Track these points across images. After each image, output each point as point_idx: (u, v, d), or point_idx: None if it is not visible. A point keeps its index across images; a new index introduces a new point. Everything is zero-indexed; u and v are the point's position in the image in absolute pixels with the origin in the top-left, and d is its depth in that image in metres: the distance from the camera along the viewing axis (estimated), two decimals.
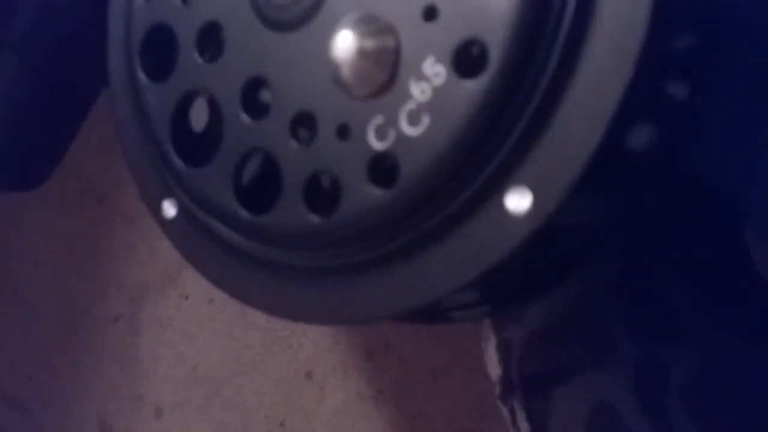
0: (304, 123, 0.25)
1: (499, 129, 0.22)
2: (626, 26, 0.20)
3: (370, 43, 0.23)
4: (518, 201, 0.22)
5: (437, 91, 0.22)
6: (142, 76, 0.29)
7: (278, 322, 0.55)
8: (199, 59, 0.27)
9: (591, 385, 0.30)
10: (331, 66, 0.24)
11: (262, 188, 0.27)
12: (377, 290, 0.25)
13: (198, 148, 0.28)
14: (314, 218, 0.25)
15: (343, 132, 0.24)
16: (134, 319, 0.62)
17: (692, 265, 0.31)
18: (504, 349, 0.32)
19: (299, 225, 0.25)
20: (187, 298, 0.62)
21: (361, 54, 0.23)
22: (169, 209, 0.30)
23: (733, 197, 0.29)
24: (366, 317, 0.26)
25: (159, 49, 0.29)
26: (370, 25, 0.23)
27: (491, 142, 0.22)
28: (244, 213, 0.26)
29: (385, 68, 0.23)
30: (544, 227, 0.22)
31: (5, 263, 0.65)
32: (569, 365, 0.31)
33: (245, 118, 0.26)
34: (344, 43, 0.23)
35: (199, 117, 0.29)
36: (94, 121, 0.43)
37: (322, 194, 0.25)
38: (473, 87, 0.21)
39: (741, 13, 0.26)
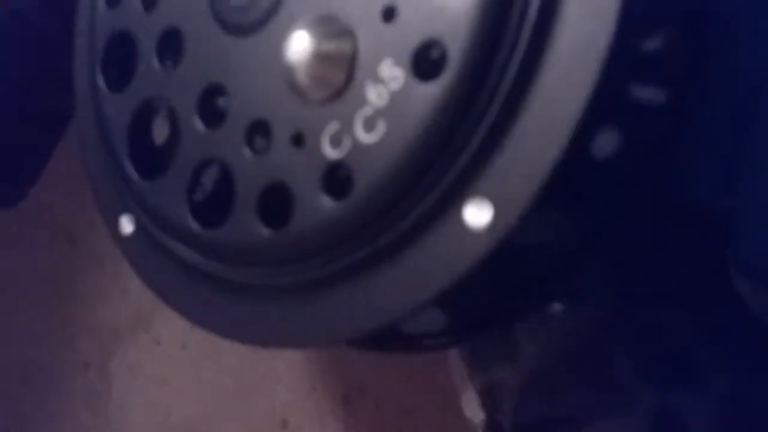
0: (260, 131, 0.24)
1: (458, 136, 0.21)
2: (592, 27, 0.19)
3: (325, 45, 0.22)
4: (477, 214, 0.21)
5: (394, 96, 0.21)
6: (101, 85, 0.28)
7: (252, 367, 0.53)
8: (158, 67, 0.27)
9: None
10: (286, 70, 0.23)
11: (217, 201, 0.26)
12: (333, 311, 0.23)
13: (156, 160, 0.27)
14: (266, 231, 0.24)
15: (297, 140, 0.23)
16: (105, 366, 0.61)
17: (694, 301, 0.30)
18: (491, 394, 0.30)
19: (251, 239, 0.24)
20: (159, 343, 0.60)
21: (316, 56, 0.22)
22: (127, 225, 0.29)
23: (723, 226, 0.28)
24: (322, 341, 0.24)
25: (120, 57, 0.28)
26: (325, 26, 0.22)
27: (450, 150, 0.21)
28: (196, 227, 0.25)
29: (341, 71, 0.22)
30: (505, 243, 0.21)
31: None
32: (573, 414, 0.29)
33: (201, 126, 0.25)
34: (298, 44, 0.22)
35: (161, 130, 0.29)
36: (65, 158, 0.43)
37: (277, 207, 0.24)
38: (432, 91, 0.21)
39: (724, 13, 0.25)
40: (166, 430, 0.58)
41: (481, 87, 0.20)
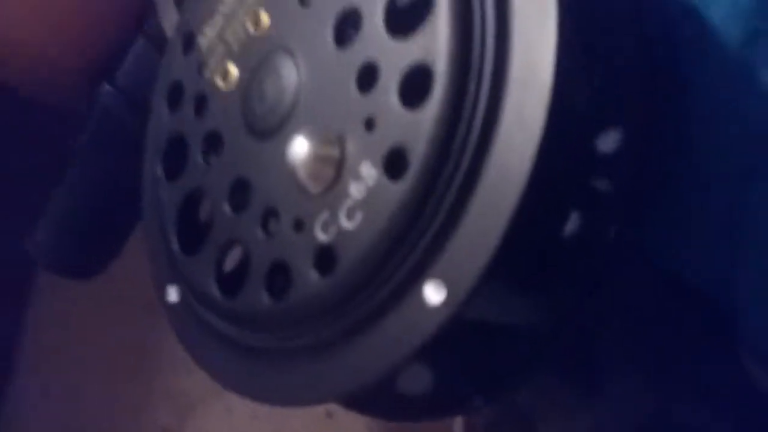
0: (272, 217, 0.29)
1: (418, 226, 0.25)
2: (522, 139, 0.24)
3: (319, 149, 0.27)
4: (434, 292, 0.25)
5: (370, 191, 0.26)
6: (160, 174, 0.34)
7: None
8: (201, 162, 0.33)
9: None
10: (290, 169, 0.28)
11: (238, 275, 0.31)
12: (320, 372, 0.28)
13: (197, 239, 0.33)
14: (269, 301, 0.28)
15: (298, 225, 0.28)
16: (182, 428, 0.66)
17: (707, 387, 0.31)
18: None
19: (257, 307, 0.29)
20: (230, 411, 0.65)
21: (312, 158, 0.27)
22: (172, 294, 0.34)
23: (716, 301, 0.30)
24: (306, 401, 0.28)
25: (176, 153, 0.34)
26: (321, 134, 0.27)
27: (412, 236, 0.25)
28: (219, 296, 0.30)
29: (332, 169, 0.27)
30: (460, 319, 0.24)
31: (57, 368, 0.71)
32: None
33: (228, 212, 0.31)
34: (298, 148, 0.28)
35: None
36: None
37: (281, 281, 0.29)
38: (398, 188, 0.25)
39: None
40: None
41: (436, 186, 0.25)
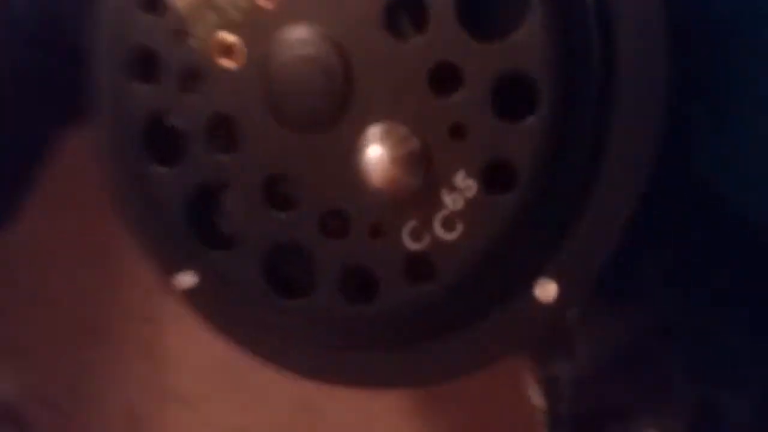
0: (334, 218, 0.28)
1: (527, 235, 0.26)
2: (638, 146, 0.24)
3: (400, 156, 0.26)
4: (545, 291, 0.26)
5: (470, 202, 0.26)
6: (149, 166, 0.30)
7: None
8: (210, 152, 0.29)
9: (647, 429, 0.34)
10: (361, 171, 0.26)
11: (291, 273, 0.30)
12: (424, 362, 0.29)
13: (219, 234, 0.30)
14: (347, 306, 0.28)
15: (376, 232, 0.27)
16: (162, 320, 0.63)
17: (740, 302, 0.34)
18: (551, 385, 0.35)
19: (332, 312, 0.29)
20: None
21: (392, 165, 0.26)
22: (186, 279, 0.32)
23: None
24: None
25: (162, 134, 0.30)
26: (399, 138, 0.26)
27: (521, 246, 0.26)
28: (276, 299, 0.29)
29: (417, 177, 0.26)
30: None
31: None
32: (623, 406, 0.35)
33: (269, 211, 0.29)
34: (375, 155, 0.26)
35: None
36: None
37: (357, 283, 0.28)
38: (503, 202, 0.25)
39: None
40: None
41: (546, 199, 0.25)
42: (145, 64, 0.30)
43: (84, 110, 0.38)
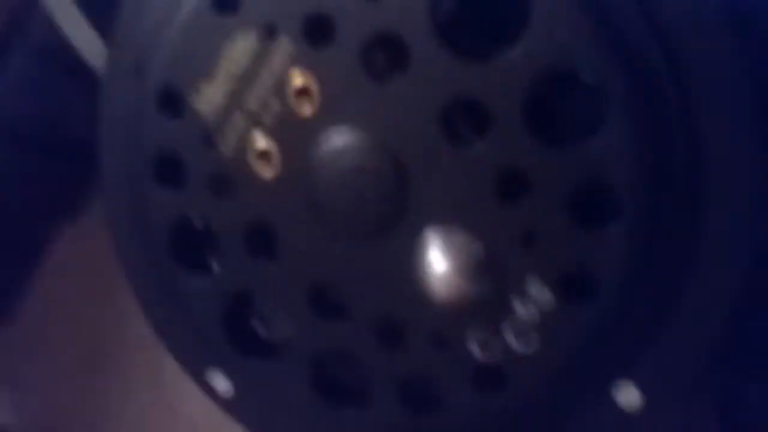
0: (389, 327, 0.26)
1: (609, 346, 0.24)
2: (730, 253, 0.23)
3: (464, 265, 0.24)
4: (628, 398, 0.25)
5: (546, 314, 0.24)
6: (181, 274, 0.28)
7: None
8: (247, 260, 0.27)
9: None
10: (420, 280, 0.25)
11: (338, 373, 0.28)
12: None
13: (259, 344, 0.29)
14: (407, 416, 0.27)
15: (438, 341, 0.25)
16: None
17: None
18: None
19: (392, 421, 0.27)
20: None
21: (455, 275, 0.24)
22: (226, 387, 0.30)
23: None
24: None
25: (191, 241, 0.28)
26: (461, 246, 0.24)
27: (602, 355, 0.24)
28: (327, 408, 0.28)
29: (483, 287, 0.24)
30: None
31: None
32: None
33: (316, 320, 0.27)
34: (437, 264, 0.24)
35: None
36: None
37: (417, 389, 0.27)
38: (584, 314, 0.24)
39: None
40: None
41: (629, 311, 0.24)
42: (168, 169, 0.28)
43: (82, 205, 0.36)
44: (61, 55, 0.31)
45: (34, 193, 0.34)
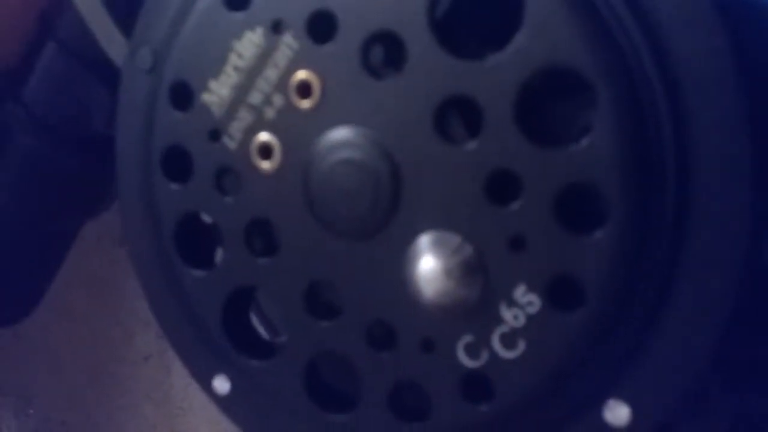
0: (380, 329, 0.26)
1: (598, 354, 0.24)
2: (721, 263, 0.22)
3: (454, 267, 0.24)
4: (616, 414, 0.24)
5: (533, 319, 0.24)
6: (184, 268, 0.29)
7: None
8: (248, 256, 0.28)
9: None
10: (412, 282, 0.25)
11: (333, 379, 0.28)
12: None
13: (255, 340, 0.29)
14: (396, 422, 0.26)
15: (428, 346, 0.25)
16: (164, 357, 0.62)
17: None
18: None
19: (379, 427, 0.27)
20: None
21: (446, 277, 0.24)
22: (223, 385, 0.31)
23: None
24: None
25: (195, 235, 0.29)
26: (453, 248, 0.24)
27: (589, 365, 0.24)
28: (317, 411, 0.28)
29: (472, 290, 0.24)
30: None
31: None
32: None
33: (311, 319, 0.27)
34: (428, 266, 0.24)
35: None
36: None
37: (407, 397, 0.26)
38: (570, 320, 0.23)
39: None
40: None
41: (617, 317, 0.23)
42: (177, 163, 0.28)
43: (103, 201, 0.37)
44: (89, 53, 0.32)
45: (64, 187, 0.35)
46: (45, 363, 0.65)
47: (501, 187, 0.23)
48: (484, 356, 0.25)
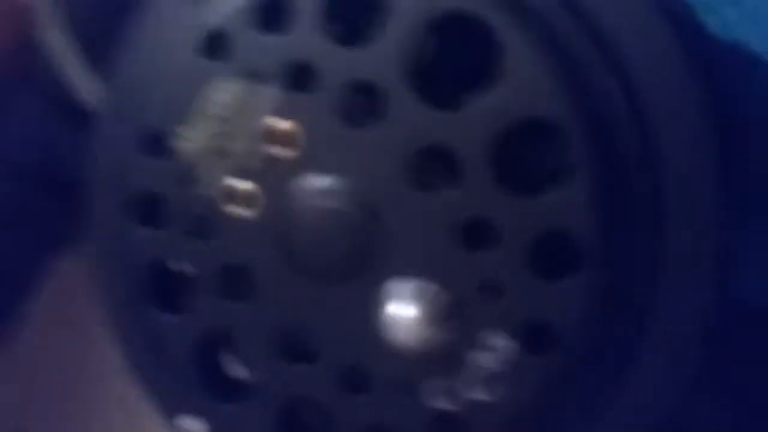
0: (355, 373, 0.26)
1: (572, 398, 0.24)
2: (690, 312, 0.23)
3: (429, 315, 0.24)
4: None
5: (508, 363, 0.24)
6: (155, 313, 0.29)
7: None
8: (220, 300, 0.28)
9: None
10: (386, 327, 0.25)
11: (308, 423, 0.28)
12: None
13: (227, 385, 0.29)
14: None
15: (400, 388, 0.26)
16: None
17: None
18: None
19: None
20: None
21: (421, 324, 0.25)
22: (194, 426, 0.30)
23: None
24: None
25: (167, 281, 0.29)
26: (428, 295, 0.25)
27: (563, 409, 0.24)
28: None
29: (447, 335, 0.25)
30: None
31: None
32: None
33: (284, 365, 0.27)
34: (402, 313, 0.25)
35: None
36: None
37: None
38: (544, 365, 0.24)
39: None
40: None
41: (590, 361, 0.24)
42: (149, 209, 0.28)
43: (76, 239, 0.37)
44: (62, 97, 0.32)
45: (34, 228, 0.34)
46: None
47: (477, 234, 0.24)
48: (458, 399, 0.25)
